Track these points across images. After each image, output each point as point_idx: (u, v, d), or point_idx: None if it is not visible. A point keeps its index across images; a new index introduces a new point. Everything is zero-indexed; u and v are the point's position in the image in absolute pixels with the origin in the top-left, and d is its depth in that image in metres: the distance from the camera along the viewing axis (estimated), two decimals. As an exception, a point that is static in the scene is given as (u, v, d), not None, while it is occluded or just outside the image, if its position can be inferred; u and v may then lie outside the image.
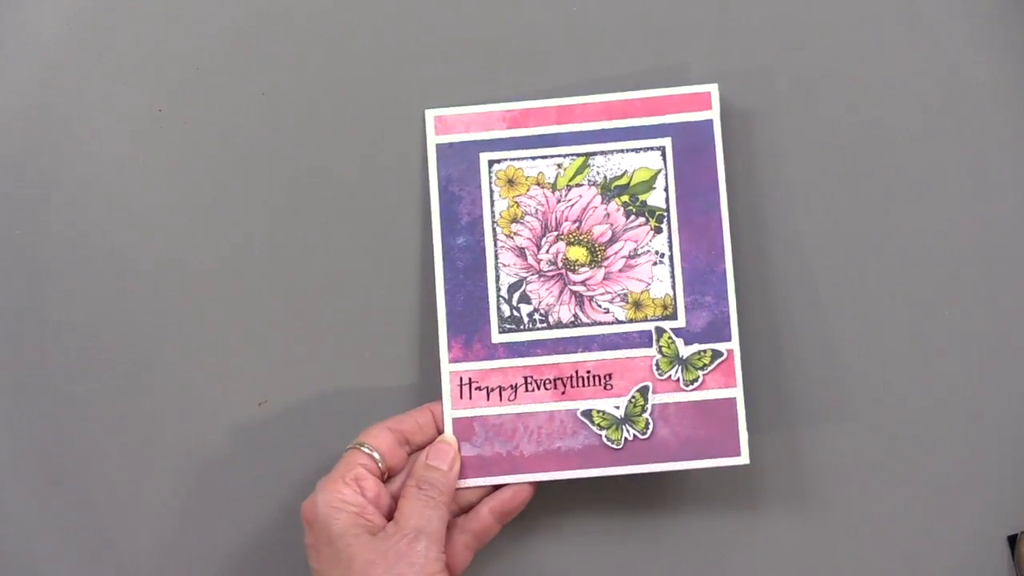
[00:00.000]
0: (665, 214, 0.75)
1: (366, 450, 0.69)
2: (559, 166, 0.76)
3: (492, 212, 0.76)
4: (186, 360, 0.76)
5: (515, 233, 0.75)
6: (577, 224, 0.76)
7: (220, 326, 0.77)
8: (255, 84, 0.75)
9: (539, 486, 0.74)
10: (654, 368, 0.74)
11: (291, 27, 0.77)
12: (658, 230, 0.75)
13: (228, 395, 0.78)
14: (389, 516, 0.68)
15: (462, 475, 0.74)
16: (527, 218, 0.75)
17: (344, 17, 0.78)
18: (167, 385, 0.77)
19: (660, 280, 0.75)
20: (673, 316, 0.75)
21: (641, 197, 0.75)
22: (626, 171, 0.76)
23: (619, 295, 0.75)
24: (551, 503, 0.76)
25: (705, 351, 0.74)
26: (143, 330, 0.76)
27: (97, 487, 0.75)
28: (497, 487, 0.74)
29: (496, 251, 0.75)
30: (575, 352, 0.75)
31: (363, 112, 0.77)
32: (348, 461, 0.68)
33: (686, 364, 0.74)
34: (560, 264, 0.75)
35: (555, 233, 0.75)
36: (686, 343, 0.74)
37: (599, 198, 0.75)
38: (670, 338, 0.74)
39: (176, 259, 0.76)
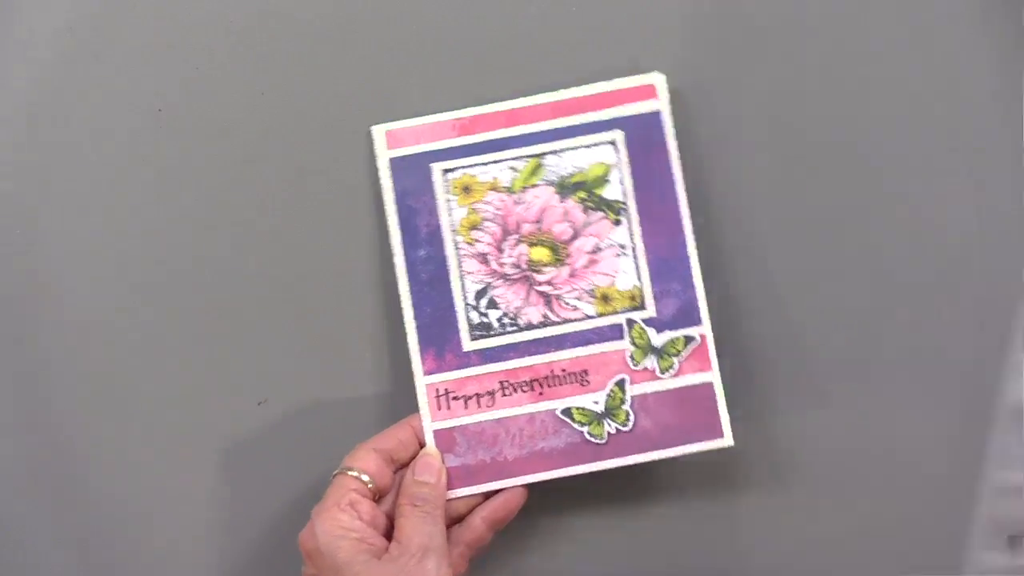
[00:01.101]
0: (624, 206, 0.75)
1: (354, 474, 0.68)
2: (513, 169, 0.76)
3: (451, 221, 0.75)
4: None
5: (476, 240, 0.75)
6: (537, 225, 0.76)
7: (210, 333, 0.78)
8: (256, 84, 0.75)
9: (530, 490, 0.73)
10: (629, 360, 0.74)
11: (279, 33, 0.77)
12: (618, 223, 0.75)
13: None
14: (387, 537, 0.67)
15: (449, 486, 0.73)
16: (486, 223, 0.75)
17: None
18: (149, 388, 0.77)
19: (625, 272, 0.75)
20: (642, 306, 0.75)
21: (598, 192, 0.75)
22: (580, 168, 0.76)
23: (586, 291, 0.75)
24: (542, 505, 0.76)
25: (677, 338, 0.74)
26: (143, 331, 0.75)
27: (91, 487, 0.75)
28: (488, 496, 0.74)
29: (459, 259, 0.75)
30: (548, 352, 0.74)
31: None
32: (339, 487, 0.68)
33: (660, 353, 0.74)
34: (524, 266, 0.75)
35: (516, 236, 0.75)
36: (658, 332, 0.74)
37: (556, 197, 0.75)
38: (641, 328, 0.74)
39: (172, 259, 0.76)
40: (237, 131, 0.75)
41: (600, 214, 0.75)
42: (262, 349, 0.78)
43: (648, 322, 0.74)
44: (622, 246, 0.75)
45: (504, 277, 0.75)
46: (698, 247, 0.75)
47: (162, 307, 0.77)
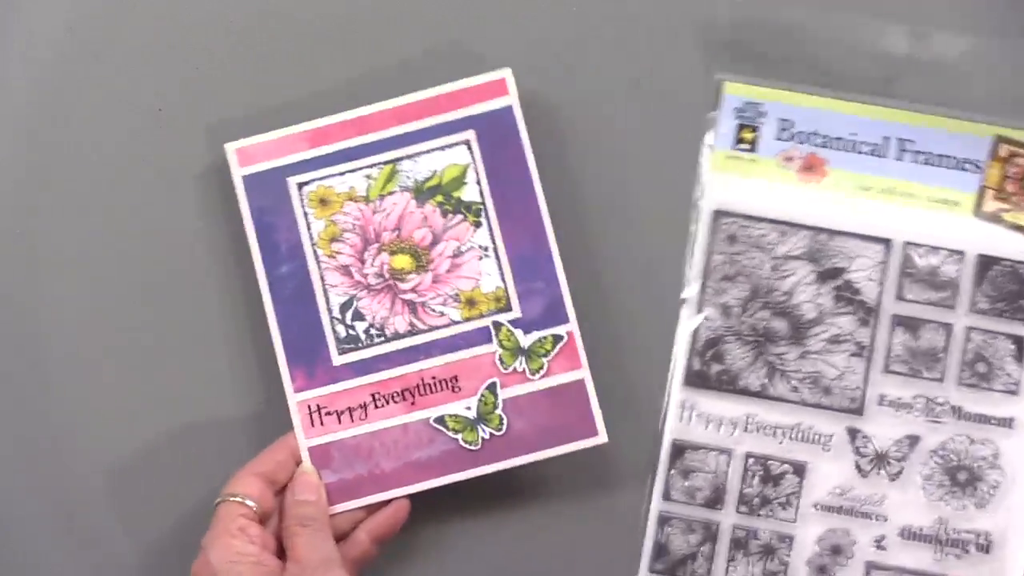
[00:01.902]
0: (482, 207, 0.74)
1: (239, 499, 0.68)
2: (369, 177, 0.74)
3: (310, 235, 0.74)
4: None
5: (337, 252, 0.74)
6: (397, 232, 0.74)
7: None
8: (255, 84, 0.75)
9: (412, 502, 0.73)
10: (498, 363, 0.73)
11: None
12: (478, 224, 0.74)
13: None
14: (278, 557, 0.67)
15: (329, 501, 0.73)
16: (346, 235, 0.74)
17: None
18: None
19: (488, 274, 0.74)
20: (508, 308, 0.74)
21: (455, 194, 0.74)
22: (435, 171, 0.74)
23: (451, 296, 0.74)
24: (425, 516, 0.75)
25: (545, 337, 0.73)
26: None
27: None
28: (371, 510, 0.73)
29: (321, 273, 0.74)
30: (417, 361, 0.74)
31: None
32: (226, 514, 0.67)
33: (529, 354, 0.73)
34: (387, 275, 0.74)
35: (376, 245, 0.74)
36: (525, 332, 0.73)
37: (414, 202, 0.74)
38: (508, 330, 0.73)
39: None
40: (236, 131, 0.73)
41: (459, 217, 0.74)
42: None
43: (515, 323, 0.73)
44: (484, 248, 0.74)
45: (368, 288, 0.74)
46: (561, 243, 0.73)
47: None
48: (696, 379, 0.74)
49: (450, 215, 0.74)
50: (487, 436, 0.73)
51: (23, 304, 0.75)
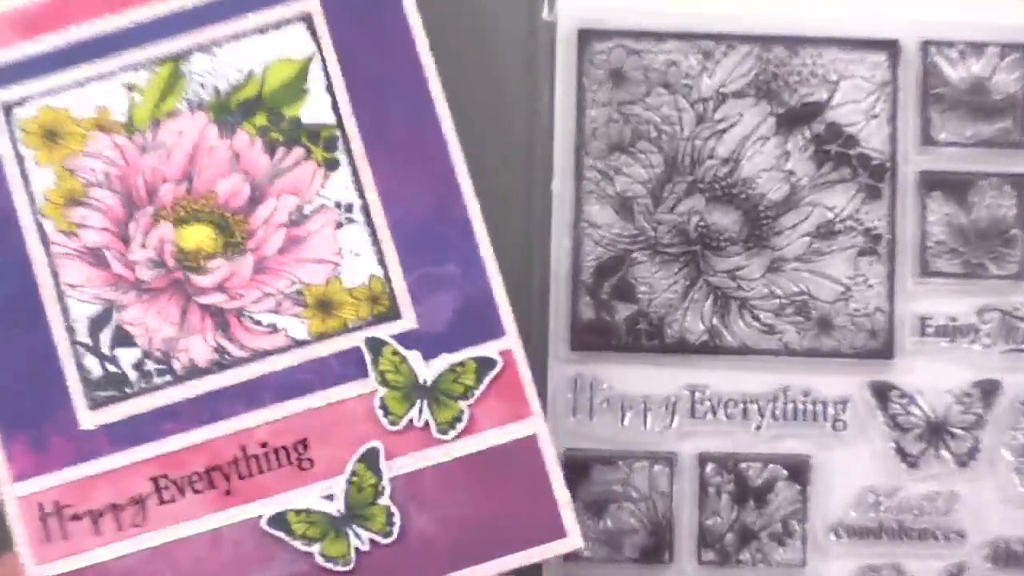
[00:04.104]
0: (337, 134, 0.40)
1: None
2: (131, 88, 0.40)
3: (30, 196, 0.40)
4: None
5: (80, 224, 0.40)
6: (186, 184, 0.40)
7: None
8: None
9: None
10: (379, 413, 0.40)
11: None
12: (331, 164, 0.40)
13: None
14: None
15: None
16: (95, 192, 0.40)
17: None
18: None
19: (356, 253, 0.41)
20: (392, 313, 0.40)
21: (288, 112, 0.40)
22: (251, 71, 0.40)
23: (288, 296, 0.40)
24: None
25: (464, 363, 0.39)
26: None
27: None
28: None
29: (52, 265, 0.39)
30: (234, 414, 0.40)
31: None
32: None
33: (435, 394, 0.39)
34: (172, 262, 0.40)
35: (150, 209, 0.40)
36: (427, 356, 0.40)
37: (214, 129, 0.40)
38: (395, 353, 0.39)
39: None
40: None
41: (298, 151, 0.40)
42: None
43: (407, 340, 0.39)
44: (343, 206, 0.40)
45: (138, 286, 0.40)
46: (482, 194, 0.40)
47: None
48: (590, 335, 0.48)
49: (281, 150, 0.39)
50: (365, 546, 0.40)
51: None
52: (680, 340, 0.49)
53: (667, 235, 0.49)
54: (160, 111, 0.42)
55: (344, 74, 0.42)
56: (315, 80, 0.42)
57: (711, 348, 0.49)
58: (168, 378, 0.42)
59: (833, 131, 0.49)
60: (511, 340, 0.42)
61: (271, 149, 0.42)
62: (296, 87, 0.42)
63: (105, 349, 0.42)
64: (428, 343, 0.42)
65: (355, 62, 0.42)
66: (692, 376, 0.49)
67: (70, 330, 0.42)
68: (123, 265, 0.42)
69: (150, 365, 0.42)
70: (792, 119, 0.49)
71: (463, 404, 0.41)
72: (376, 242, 0.42)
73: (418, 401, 0.42)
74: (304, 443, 0.42)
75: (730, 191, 0.49)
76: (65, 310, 0.42)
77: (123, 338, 0.42)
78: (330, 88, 0.42)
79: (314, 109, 0.42)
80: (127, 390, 0.42)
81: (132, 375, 0.42)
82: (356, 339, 0.42)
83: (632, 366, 0.49)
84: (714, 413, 0.49)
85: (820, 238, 0.49)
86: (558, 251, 0.48)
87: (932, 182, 0.49)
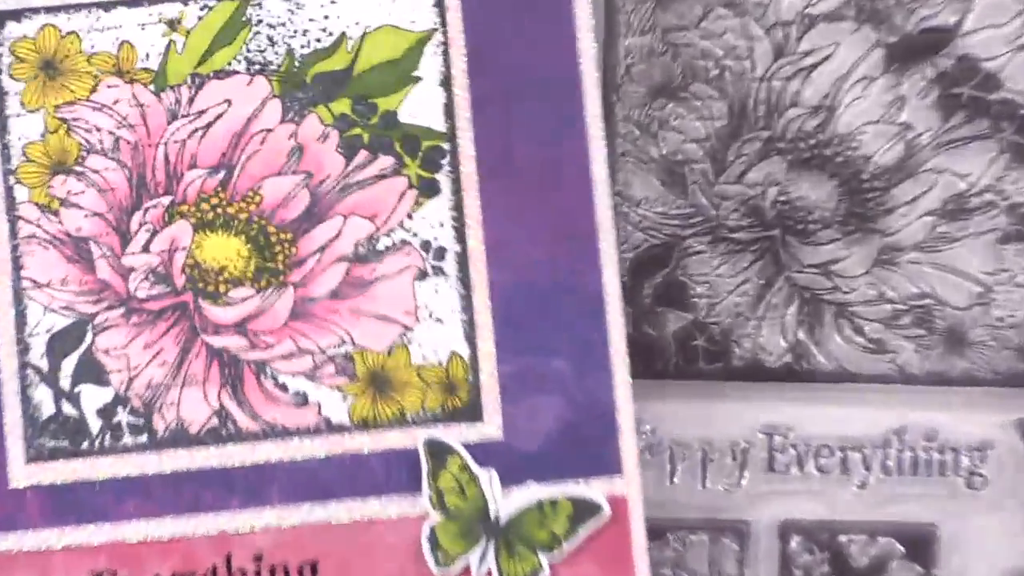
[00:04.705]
0: (446, 147, 0.27)
1: None
2: (172, 26, 0.27)
3: (3, 147, 0.27)
4: None
5: (66, 201, 0.28)
6: (222, 174, 0.27)
7: None
8: None
9: None
10: (426, 547, 0.28)
11: None
12: (429, 188, 0.27)
13: None
14: None
15: None
16: (94, 161, 0.28)
17: None
18: None
19: (438, 319, 0.29)
20: (472, 412, 0.28)
21: (383, 104, 0.28)
22: (343, 35, 0.28)
23: (332, 358, 0.28)
24: None
25: (557, 502, 0.27)
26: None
27: None
28: None
29: (16, 249, 0.27)
30: (226, 508, 0.28)
31: None
32: None
33: (508, 537, 0.27)
34: (181, 279, 0.28)
35: (166, 200, 0.27)
36: (508, 481, 0.28)
37: (276, 106, 0.27)
38: (464, 467, 0.27)
39: None
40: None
41: (386, 161, 0.27)
42: None
43: (485, 454, 0.27)
44: (435, 250, 0.27)
45: (128, 303, 0.27)
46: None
47: None
48: (628, 357, 0.33)
49: (363, 153, 0.27)
50: None
51: None
52: (753, 363, 0.38)
53: (733, 215, 0.37)
54: (207, 65, 0.30)
55: (471, 66, 0.29)
56: (430, 66, 0.30)
57: (796, 374, 0.38)
58: (143, 439, 0.29)
59: (965, 68, 0.37)
60: (629, 482, 0.29)
61: (350, 149, 0.30)
62: (402, 70, 0.30)
63: (65, 382, 0.29)
64: (513, 464, 0.30)
65: (490, 53, 0.30)
66: (770, 413, 0.38)
67: (22, 345, 0.29)
68: (113, 269, 0.30)
69: (122, 416, 0.29)
70: (908, 51, 0.37)
71: (544, 558, 0.29)
72: (469, 308, 0.29)
73: (483, 541, 0.29)
74: (314, 567, 0.29)
75: (822, 153, 0.38)
76: (21, 315, 0.30)
77: (93, 371, 0.30)
78: (448, 81, 0.29)
79: (421, 106, 0.30)
80: (84, 444, 0.29)
81: (94, 424, 0.29)
82: (414, 437, 0.29)
83: (686, 400, 0.37)
84: (801, 466, 0.38)
85: (948, 218, 0.37)
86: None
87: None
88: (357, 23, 0.31)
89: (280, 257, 0.30)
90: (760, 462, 0.38)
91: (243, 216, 0.30)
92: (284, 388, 0.30)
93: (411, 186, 0.30)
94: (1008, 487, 0.38)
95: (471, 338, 0.30)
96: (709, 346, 0.38)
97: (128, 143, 0.30)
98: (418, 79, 0.30)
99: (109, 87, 0.31)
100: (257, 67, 0.30)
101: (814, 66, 0.38)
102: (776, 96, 0.38)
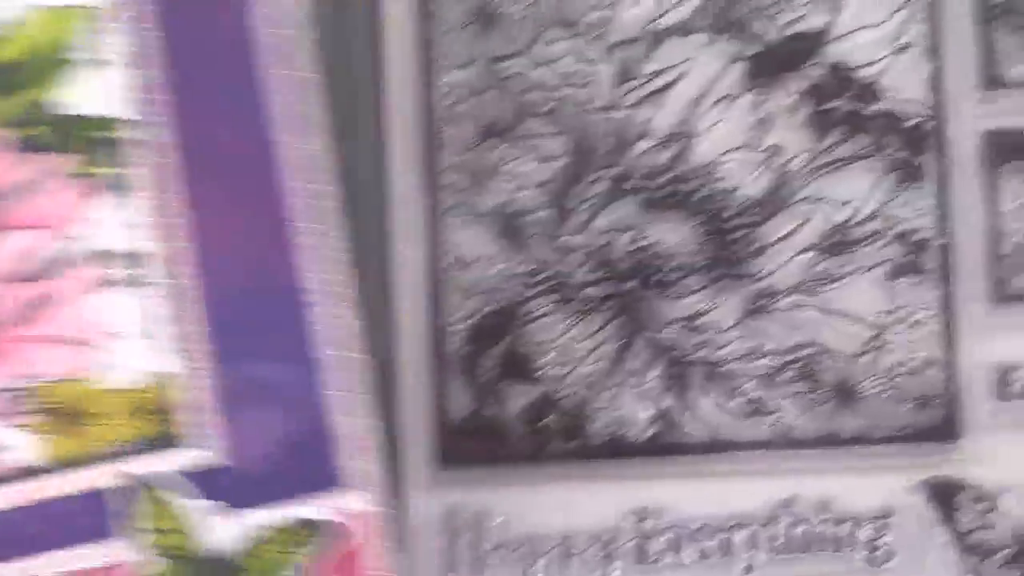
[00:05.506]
0: (122, 137, 0.26)
1: None
2: None
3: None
4: None
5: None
6: None
7: None
8: None
9: None
10: None
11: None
12: (118, 187, 0.25)
13: None
14: None
15: None
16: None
17: None
18: None
19: (133, 335, 0.25)
20: (178, 436, 0.25)
21: (39, 95, 0.24)
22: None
23: (14, 392, 0.24)
24: None
25: (288, 528, 0.24)
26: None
27: None
28: None
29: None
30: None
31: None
32: None
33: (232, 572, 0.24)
34: None
35: None
36: (237, 508, 0.27)
37: None
38: (161, 503, 0.24)
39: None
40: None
41: (52, 160, 0.24)
42: None
43: (207, 483, 0.24)
44: (122, 256, 0.24)
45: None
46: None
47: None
48: (468, 441, 0.35)
49: (32, 154, 0.23)
50: None
51: None
52: (614, 439, 0.35)
53: (581, 269, 0.35)
54: None
55: (164, 41, 0.26)
56: (87, 45, 0.26)
57: (665, 448, 0.35)
58: None
59: (839, 77, 0.35)
60: (355, 495, 0.26)
61: (24, 148, 0.26)
62: (59, 58, 0.26)
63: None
64: (239, 490, 0.26)
65: (175, 26, 0.26)
66: (637, 495, 0.35)
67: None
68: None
69: None
70: (772, 64, 0.35)
71: (280, 592, 0.26)
72: (173, 319, 0.26)
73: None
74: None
75: (679, 189, 0.35)
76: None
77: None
78: (131, 64, 0.26)
79: (84, 93, 0.26)
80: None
81: None
82: (105, 475, 0.26)
83: (540, 486, 0.34)
84: (677, 552, 0.35)
85: (829, 253, 0.35)
86: (408, 308, 0.33)
87: (1004, 148, 0.35)
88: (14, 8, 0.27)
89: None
90: (630, 551, 0.35)
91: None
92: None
93: (86, 188, 0.27)
94: (916, 559, 0.35)
95: (178, 353, 0.27)
96: (562, 423, 0.35)
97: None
98: (72, 62, 0.27)
99: None
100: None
101: (664, 88, 0.35)
102: (622, 127, 0.35)
